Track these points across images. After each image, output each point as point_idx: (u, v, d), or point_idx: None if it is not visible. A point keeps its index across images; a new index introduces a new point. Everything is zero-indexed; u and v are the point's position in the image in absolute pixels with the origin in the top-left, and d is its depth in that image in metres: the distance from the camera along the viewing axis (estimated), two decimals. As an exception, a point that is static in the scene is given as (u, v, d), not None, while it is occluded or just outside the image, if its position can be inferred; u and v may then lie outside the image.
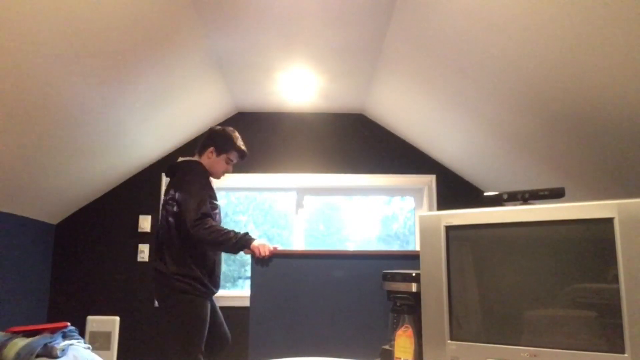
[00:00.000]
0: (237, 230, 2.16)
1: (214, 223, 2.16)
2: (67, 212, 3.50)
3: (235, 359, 3.33)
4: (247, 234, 2.14)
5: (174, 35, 2.41)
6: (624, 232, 1.23)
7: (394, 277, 1.67)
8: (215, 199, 2.35)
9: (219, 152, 2.38)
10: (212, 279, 2.28)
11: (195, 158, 2.41)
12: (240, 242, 2.11)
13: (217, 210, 2.33)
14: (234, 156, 2.42)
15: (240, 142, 2.42)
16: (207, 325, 2.20)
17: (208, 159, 2.38)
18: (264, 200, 3.85)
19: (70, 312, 3.38)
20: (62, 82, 2.20)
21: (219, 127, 2.46)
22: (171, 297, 2.16)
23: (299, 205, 3.74)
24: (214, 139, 2.40)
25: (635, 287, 1.20)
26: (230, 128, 2.45)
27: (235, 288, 3.69)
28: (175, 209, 2.21)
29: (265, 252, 2.05)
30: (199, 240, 2.14)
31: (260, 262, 2.06)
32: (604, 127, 2.00)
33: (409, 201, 3.83)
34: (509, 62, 2.05)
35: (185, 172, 2.30)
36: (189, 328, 2.15)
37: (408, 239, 3.79)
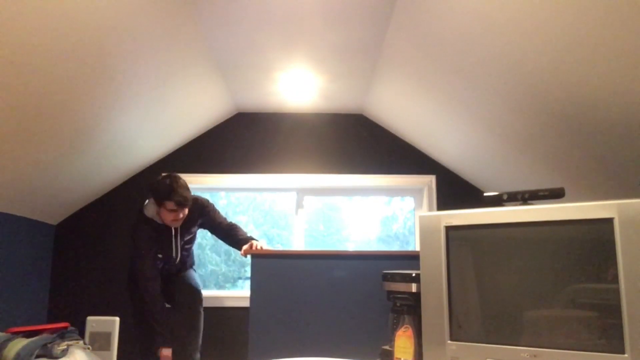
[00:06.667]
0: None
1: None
2: (67, 212, 3.50)
3: (236, 359, 3.33)
4: (165, 340, 2.39)
5: (174, 35, 2.41)
6: (624, 232, 1.23)
7: (393, 278, 1.67)
8: (158, 252, 2.53)
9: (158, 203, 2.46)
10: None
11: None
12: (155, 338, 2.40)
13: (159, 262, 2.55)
14: (171, 205, 2.42)
15: (173, 193, 2.39)
16: None
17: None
18: (264, 200, 3.85)
19: (70, 312, 3.38)
20: (61, 83, 2.20)
21: (159, 177, 2.51)
22: None
23: (299, 205, 3.73)
24: (151, 190, 2.48)
25: (635, 287, 1.20)
26: (170, 178, 2.45)
27: (235, 288, 3.69)
28: None
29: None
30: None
31: (260, 262, 2.06)
32: (603, 127, 2.00)
33: (409, 201, 3.83)
34: (509, 62, 2.05)
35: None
36: None
37: (408, 239, 3.79)
